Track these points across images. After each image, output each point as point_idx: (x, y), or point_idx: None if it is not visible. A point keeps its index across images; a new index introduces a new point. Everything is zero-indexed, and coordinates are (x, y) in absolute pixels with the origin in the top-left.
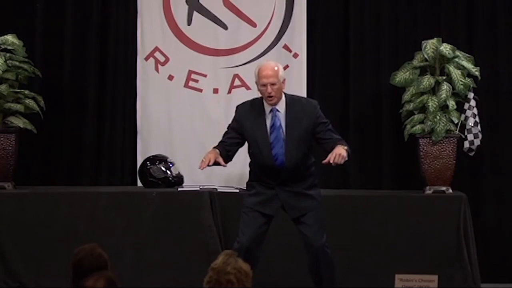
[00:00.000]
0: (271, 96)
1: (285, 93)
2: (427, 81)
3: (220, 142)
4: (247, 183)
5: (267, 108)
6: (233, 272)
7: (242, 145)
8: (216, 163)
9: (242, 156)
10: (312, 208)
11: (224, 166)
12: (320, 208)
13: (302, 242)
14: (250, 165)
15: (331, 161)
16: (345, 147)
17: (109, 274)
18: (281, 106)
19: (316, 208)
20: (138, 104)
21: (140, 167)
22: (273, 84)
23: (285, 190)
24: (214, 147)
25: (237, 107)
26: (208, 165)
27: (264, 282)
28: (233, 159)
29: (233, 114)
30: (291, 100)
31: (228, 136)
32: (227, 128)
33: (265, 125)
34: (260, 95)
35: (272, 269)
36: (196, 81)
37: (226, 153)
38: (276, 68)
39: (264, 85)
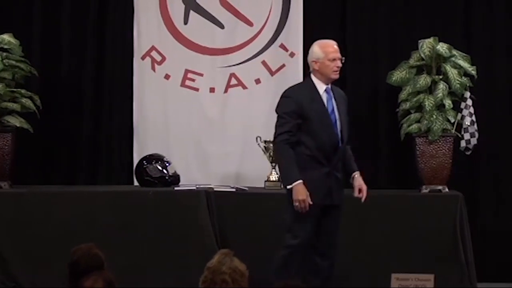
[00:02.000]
0: (337, 70)
1: None
2: (424, 80)
3: (284, 132)
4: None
5: (321, 88)
6: (228, 271)
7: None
8: None
9: (237, 156)
10: (342, 201)
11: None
12: None
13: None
14: (299, 152)
15: (363, 200)
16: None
17: (107, 275)
18: (329, 89)
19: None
20: (134, 103)
21: (136, 166)
22: (340, 59)
23: (336, 174)
24: (288, 154)
25: (287, 91)
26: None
27: (260, 281)
28: (229, 159)
29: (229, 114)
30: (332, 87)
31: (291, 124)
32: (283, 115)
33: (324, 105)
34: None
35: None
36: (193, 80)
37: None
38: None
39: (335, 59)
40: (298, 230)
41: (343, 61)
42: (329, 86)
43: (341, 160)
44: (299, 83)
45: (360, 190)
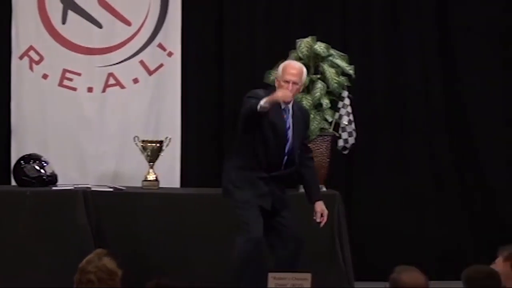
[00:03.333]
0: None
1: None
2: None
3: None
4: (233, 172)
5: (282, 104)
6: (94, 270)
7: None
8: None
9: (115, 155)
10: (289, 202)
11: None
12: None
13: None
14: (238, 154)
15: (322, 224)
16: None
17: None
18: (290, 107)
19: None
20: (12, 103)
21: (14, 166)
22: (295, 83)
23: (277, 184)
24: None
25: (251, 92)
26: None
27: (136, 279)
28: (106, 158)
29: (107, 113)
30: (296, 104)
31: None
32: (248, 98)
33: (283, 119)
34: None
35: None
36: (71, 80)
37: None
38: (302, 70)
39: (287, 81)
40: (249, 229)
41: (296, 86)
42: (289, 106)
43: (285, 177)
44: (268, 90)
45: (321, 215)
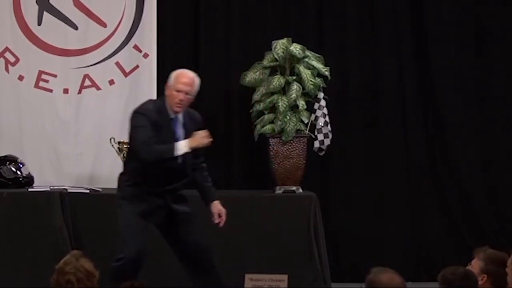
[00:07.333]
0: (180, 104)
1: None
2: (277, 81)
3: (145, 141)
4: (125, 187)
5: (171, 114)
6: (72, 271)
7: None
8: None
9: (91, 157)
10: (190, 214)
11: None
12: None
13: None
14: (130, 169)
15: (221, 225)
16: (217, 197)
17: None
18: (180, 116)
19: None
20: None
21: None
22: (187, 94)
23: (173, 196)
24: (159, 147)
25: (139, 108)
26: None
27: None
28: (83, 160)
29: (83, 115)
30: (187, 113)
31: (148, 129)
32: (140, 125)
33: (172, 131)
34: (162, 97)
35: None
36: (46, 81)
37: None
38: (195, 80)
39: (179, 90)
40: (126, 247)
41: (188, 96)
42: (180, 113)
43: (183, 186)
44: (152, 101)
45: (219, 215)
